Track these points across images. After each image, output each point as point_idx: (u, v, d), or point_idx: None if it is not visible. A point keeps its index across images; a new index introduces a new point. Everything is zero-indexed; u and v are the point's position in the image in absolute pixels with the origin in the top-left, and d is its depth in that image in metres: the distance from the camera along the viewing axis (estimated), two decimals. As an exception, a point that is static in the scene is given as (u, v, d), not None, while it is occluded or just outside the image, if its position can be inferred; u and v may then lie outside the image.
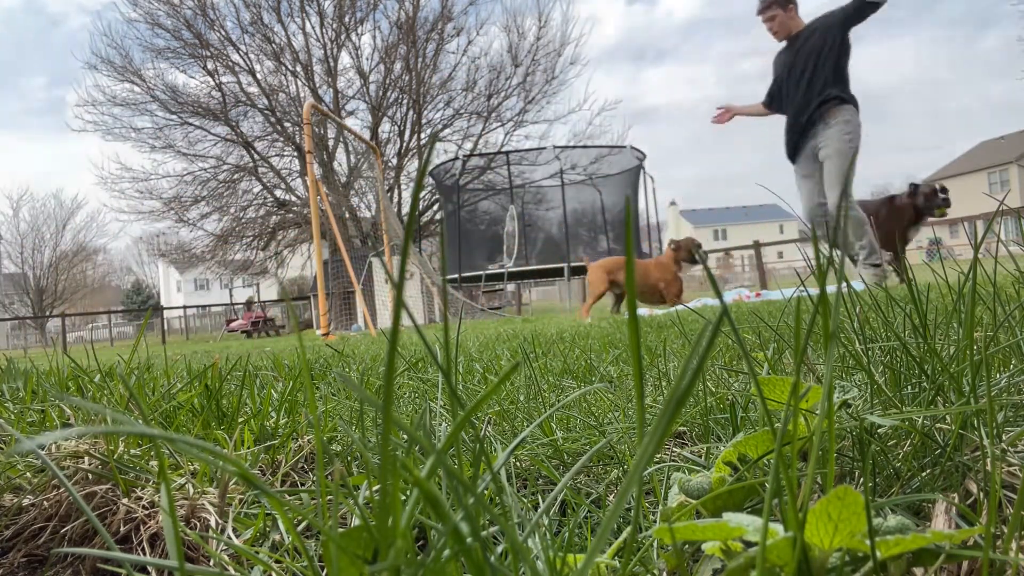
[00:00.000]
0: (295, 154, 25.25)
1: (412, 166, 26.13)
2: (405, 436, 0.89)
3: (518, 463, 0.93)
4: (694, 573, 0.53)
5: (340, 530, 0.45)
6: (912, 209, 7.14)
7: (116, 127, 24.38)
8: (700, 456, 0.88)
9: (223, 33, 24.47)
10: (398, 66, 25.15)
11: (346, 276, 15.20)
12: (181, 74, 33.98)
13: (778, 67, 6.28)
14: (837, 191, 5.75)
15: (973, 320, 0.71)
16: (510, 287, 21.19)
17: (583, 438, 0.99)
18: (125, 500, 0.80)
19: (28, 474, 0.85)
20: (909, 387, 0.79)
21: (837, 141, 5.72)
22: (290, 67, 25.06)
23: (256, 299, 28.59)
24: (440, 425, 0.98)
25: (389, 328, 0.47)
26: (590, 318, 6.77)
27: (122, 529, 0.78)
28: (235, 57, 24.80)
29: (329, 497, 0.65)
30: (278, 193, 25.92)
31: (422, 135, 25.81)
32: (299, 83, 25.26)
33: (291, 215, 25.58)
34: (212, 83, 24.66)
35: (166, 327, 31.64)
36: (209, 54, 24.26)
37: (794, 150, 6.17)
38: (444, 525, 0.33)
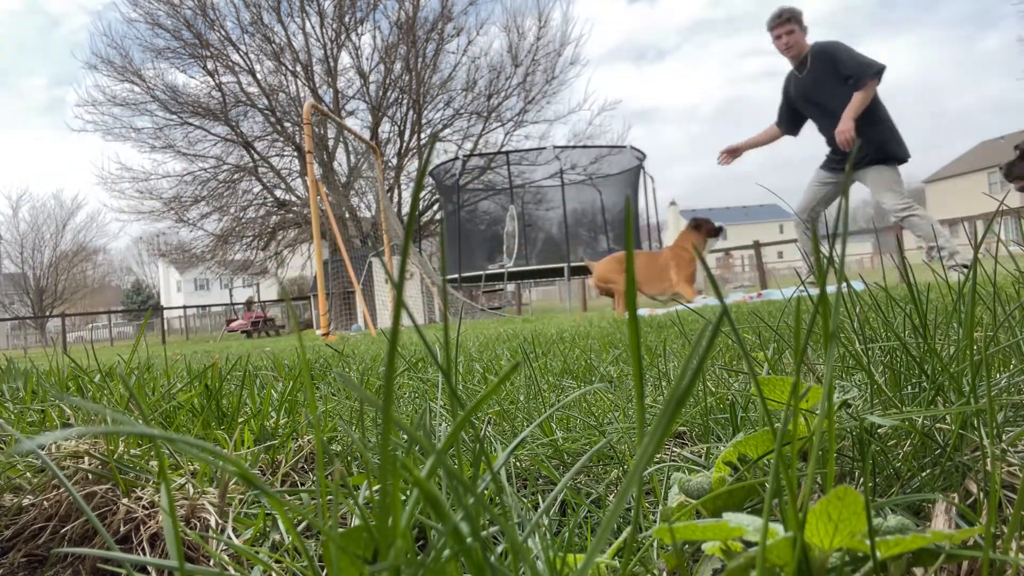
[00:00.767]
0: (295, 154, 25.25)
1: (412, 166, 26.13)
2: (405, 436, 0.89)
3: (518, 463, 0.93)
4: (694, 573, 0.53)
5: (340, 530, 0.45)
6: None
7: (116, 127, 24.40)
8: (700, 456, 0.88)
9: (223, 33, 24.47)
10: (398, 66, 25.15)
11: (346, 276, 15.20)
12: (181, 74, 34.05)
13: (793, 91, 6.15)
14: (889, 198, 5.76)
15: (973, 320, 0.71)
16: (510, 287, 21.19)
17: (583, 438, 0.99)
18: (125, 500, 0.80)
19: (28, 474, 0.85)
20: (909, 387, 0.79)
21: (888, 195, 5.75)
22: (290, 67, 25.06)
23: (256, 299, 28.58)
24: (440, 425, 0.98)
25: (389, 328, 0.47)
26: (624, 312, 6.74)
27: (122, 529, 0.78)
28: (235, 57, 24.82)
29: (329, 497, 0.65)
30: (278, 193, 25.93)
31: (422, 135, 25.81)
32: (299, 83, 25.27)
33: (291, 215, 25.57)
34: (212, 83, 24.67)
35: (166, 327, 31.64)
36: (209, 54, 24.25)
37: (829, 164, 6.12)
38: (444, 525, 0.33)
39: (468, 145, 25.60)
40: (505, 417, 1.14)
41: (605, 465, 0.90)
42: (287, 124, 25.13)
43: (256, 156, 25.28)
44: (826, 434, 0.44)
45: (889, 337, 0.90)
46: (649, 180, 17.64)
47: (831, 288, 0.73)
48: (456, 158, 19.72)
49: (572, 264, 15.46)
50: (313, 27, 24.93)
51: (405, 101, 25.63)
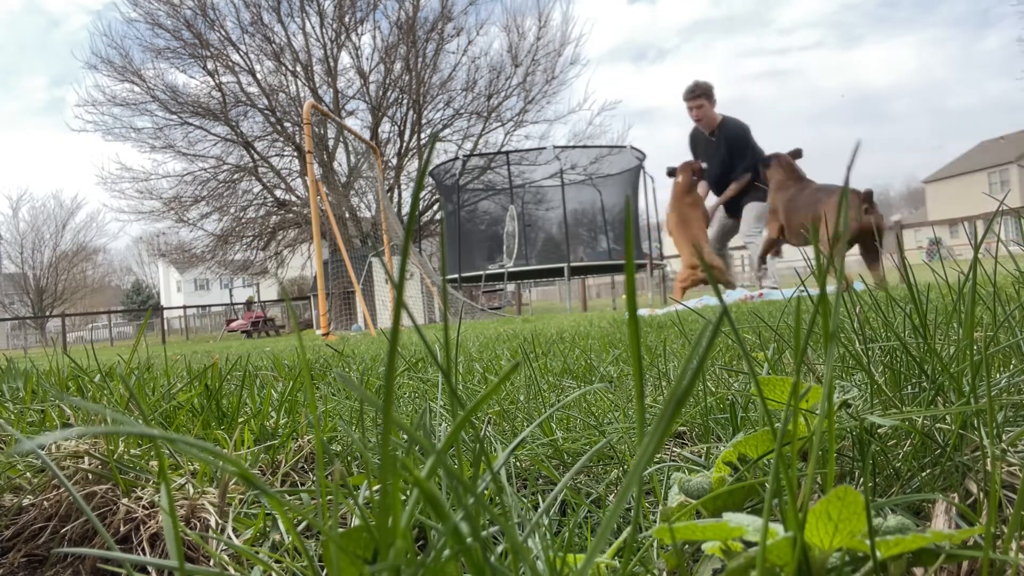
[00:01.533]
0: (295, 154, 25.23)
1: (412, 166, 26.11)
2: (405, 436, 0.89)
3: (518, 463, 0.93)
4: (694, 573, 0.53)
5: (340, 530, 0.45)
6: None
7: (116, 127, 24.36)
8: (700, 456, 0.88)
9: (223, 33, 24.45)
10: (398, 66, 25.13)
11: (346, 276, 15.20)
12: (181, 74, 33.94)
13: (700, 148, 7.81)
14: (744, 226, 7.76)
15: (973, 320, 0.71)
16: (510, 287, 21.18)
17: (583, 438, 0.99)
18: (125, 500, 0.80)
19: (28, 474, 0.85)
20: (909, 387, 0.79)
21: (744, 224, 7.73)
22: (290, 67, 25.04)
23: (256, 299, 28.58)
24: (440, 425, 0.98)
25: (389, 328, 0.47)
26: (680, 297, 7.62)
27: (122, 529, 0.78)
28: (235, 57, 24.79)
29: (329, 497, 0.65)
30: (278, 193, 25.90)
31: (422, 135, 25.79)
32: (299, 83, 25.24)
33: (291, 215, 25.56)
34: (212, 83, 24.64)
35: (166, 327, 31.63)
36: (209, 54, 24.23)
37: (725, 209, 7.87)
38: (444, 525, 0.33)
39: (468, 145, 25.59)
40: (505, 417, 1.14)
41: (605, 465, 0.90)
42: (287, 124, 25.11)
43: (256, 156, 25.26)
44: (826, 434, 0.44)
45: (889, 337, 0.90)
46: (649, 180, 17.63)
47: (831, 288, 0.73)
48: (456, 158, 19.70)
49: (572, 264, 15.46)
50: (313, 27, 24.93)
51: (405, 101, 25.62)
